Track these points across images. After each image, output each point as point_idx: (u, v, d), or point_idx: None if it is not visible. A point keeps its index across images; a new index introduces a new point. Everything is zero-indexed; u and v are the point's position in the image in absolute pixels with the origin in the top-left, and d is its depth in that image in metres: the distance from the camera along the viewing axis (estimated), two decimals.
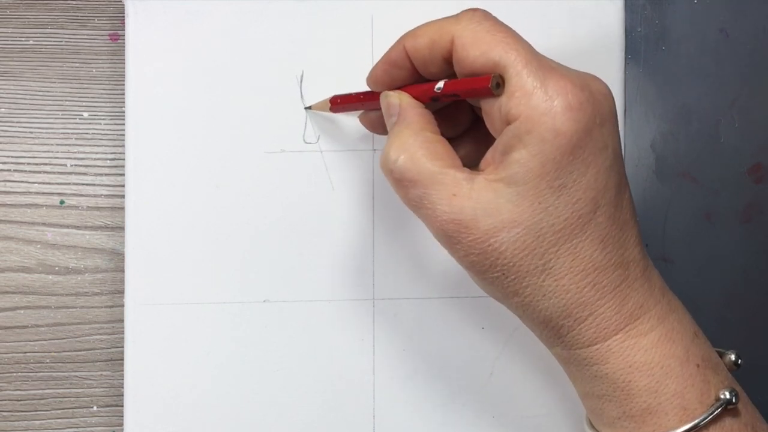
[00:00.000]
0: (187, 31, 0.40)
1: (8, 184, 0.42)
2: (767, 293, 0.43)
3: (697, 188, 0.43)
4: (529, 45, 0.29)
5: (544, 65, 0.29)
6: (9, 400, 0.41)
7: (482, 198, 0.29)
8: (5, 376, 0.41)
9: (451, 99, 0.31)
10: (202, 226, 0.40)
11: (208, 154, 0.40)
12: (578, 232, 0.29)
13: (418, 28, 0.32)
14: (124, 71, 0.40)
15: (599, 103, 0.29)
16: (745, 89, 0.43)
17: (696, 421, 0.28)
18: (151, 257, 0.39)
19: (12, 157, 0.42)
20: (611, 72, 0.40)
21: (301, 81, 0.40)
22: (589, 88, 0.29)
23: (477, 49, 0.29)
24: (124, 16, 0.40)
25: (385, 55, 0.33)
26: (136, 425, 0.39)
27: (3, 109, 0.42)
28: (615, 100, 0.30)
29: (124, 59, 0.40)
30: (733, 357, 0.32)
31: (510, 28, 0.30)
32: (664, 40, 0.43)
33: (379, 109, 0.34)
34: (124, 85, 0.40)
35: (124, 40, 0.40)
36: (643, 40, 0.43)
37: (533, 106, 0.28)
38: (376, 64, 0.33)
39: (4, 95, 0.42)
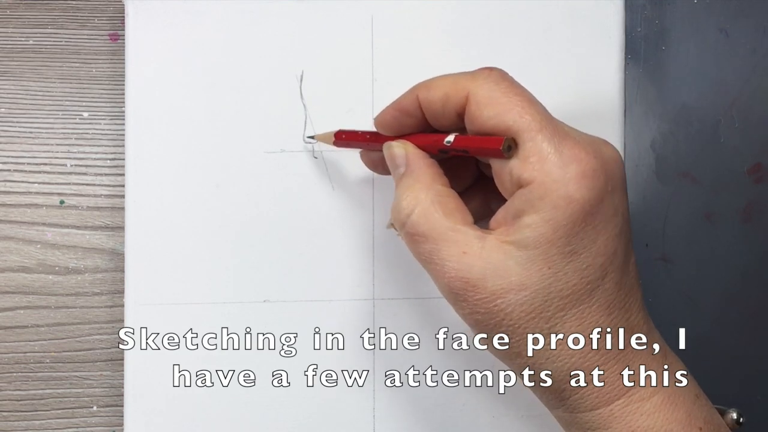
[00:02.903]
0: (187, 31, 0.40)
1: (8, 184, 0.42)
2: (767, 293, 0.43)
3: (697, 188, 0.43)
4: (544, 109, 0.30)
5: (558, 131, 0.29)
6: (9, 400, 0.41)
7: (492, 258, 0.29)
8: (5, 376, 0.41)
9: (460, 154, 0.31)
10: (202, 226, 0.40)
11: (208, 154, 0.40)
12: (585, 298, 0.29)
13: (433, 79, 0.32)
14: (124, 71, 0.40)
15: (611, 170, 0.29)
16: (745, 89, 0.43)
17: None
18: (151, 257, 0.39)
19: (12, 157, 0.42)
20: (611, 72, 0.40)
21: (301, 81, 0.40)
22: (602, 155, 0.29)
23: (491, 110, 0.29)
24: (124, 16, 0.40)
25: (396, 101, 0.33)
26: (136, 425, 0.39)
27: (3, 109, 0.42)
28: (621, 156, 0.30)
29: (124, 59, 0.40)
30: (734, 416, 0.31)
31: (525, 91, 0.30)
32: (664, 40, 0.43)
33: (382, 150, 0.34)
34: (124, 85, 0.40)
35: (124, 40, 0.40)
36: (643, 40, 0.43)
37: (547, 172, 0.28)
38: (387, 108, 0.33)
39: (4, 95, 0.42)
